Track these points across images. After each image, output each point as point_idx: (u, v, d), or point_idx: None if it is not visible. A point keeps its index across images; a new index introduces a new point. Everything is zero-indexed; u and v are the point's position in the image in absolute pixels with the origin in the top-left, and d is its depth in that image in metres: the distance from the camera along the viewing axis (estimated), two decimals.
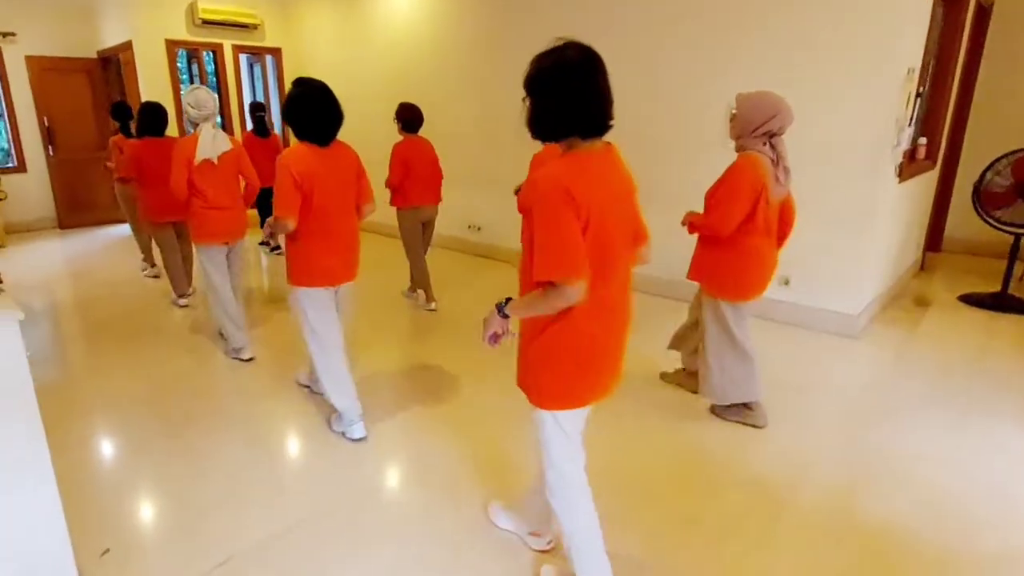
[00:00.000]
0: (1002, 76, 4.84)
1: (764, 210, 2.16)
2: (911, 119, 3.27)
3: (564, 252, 1.20)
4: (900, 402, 2.71)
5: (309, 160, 2.14)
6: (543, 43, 1.25)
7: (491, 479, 2.12)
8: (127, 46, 6.12)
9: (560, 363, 1.33)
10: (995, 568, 1.64)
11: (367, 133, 4.67)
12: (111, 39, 6.42)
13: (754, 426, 2.43)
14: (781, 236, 2.34)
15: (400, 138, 3.68)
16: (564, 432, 1.42)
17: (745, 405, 2.45)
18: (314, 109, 2.13)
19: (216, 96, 3.07)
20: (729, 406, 2.48)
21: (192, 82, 6.81)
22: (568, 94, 1.21)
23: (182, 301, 4.02)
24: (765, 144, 2.14)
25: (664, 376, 2.85)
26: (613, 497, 1.96)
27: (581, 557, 1.48)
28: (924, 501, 1.96)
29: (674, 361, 2.86)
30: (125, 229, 6.34)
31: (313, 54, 6.67)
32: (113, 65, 6.67)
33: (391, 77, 5.78)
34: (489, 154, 4.91)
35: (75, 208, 6.82)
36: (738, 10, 3.48)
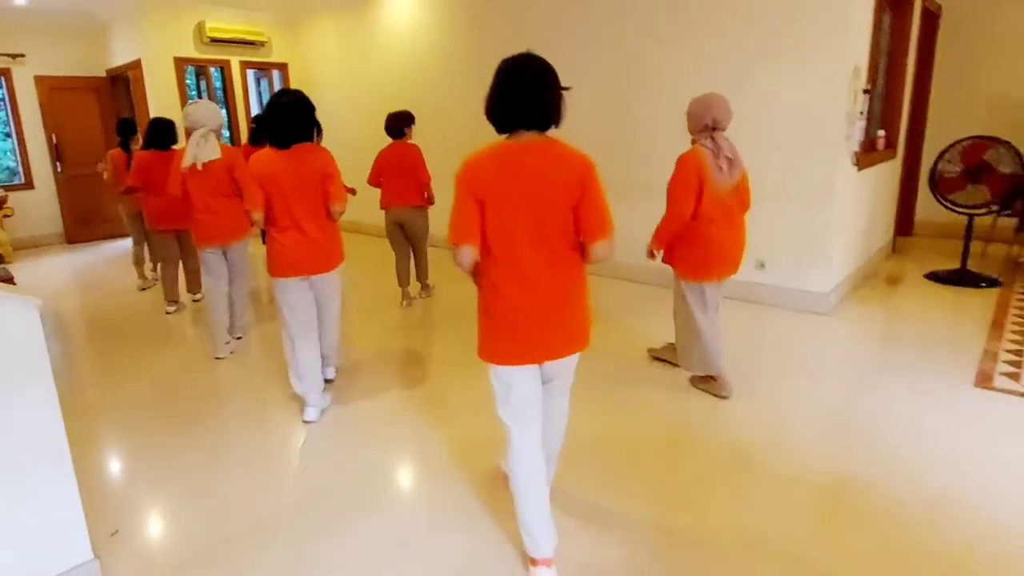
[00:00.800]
0: (955, 73, 5.27)
1: (709, 197, 2.47)
2: (862, 113, 3.65)
3: (455, 222, 1.49)
4: (863, 369, 3.05)
5: (267, 162, 2.45)
6: (560, 44, 1.57)
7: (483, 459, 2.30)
8: (136, 64, 6.42)
9: (482, 319, 1.61)
10: (932, 510, 1.90)
11: (369, 140, 5.01)
12: (120, 58, 6.71)
13: (717, 396, 2.69)
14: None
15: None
16: (500, 386, 1.61)
17: (710, 376, 2.74)
18: (269, 117, 2.44)
19: (213, 108, 3.23)
20: (701, 377, 2.78)
21: (200, 97, 7.12)
22: (492, 94, 1.52)
23: (170, 308, 4.20)
24: (707, 138, 2.46)
25: (651, 351, 3.16)
26: (602, 460, 2.25)
27: (516, 508, 1.64)
28: (880, 457, 2.23)
29: (667, 339, 3.14)
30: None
31: (319, 68, 7.00)
32: (122, 83, 6.95)
33: (393, 87, 6.12)
34: None
35: (83, 223, 7.04)
36: (700, 18, 3.88)
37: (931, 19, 5.04)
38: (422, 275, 4.32)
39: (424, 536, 1.89)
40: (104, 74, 7.04)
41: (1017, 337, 3.29)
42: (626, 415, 2.60)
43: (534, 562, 1.63)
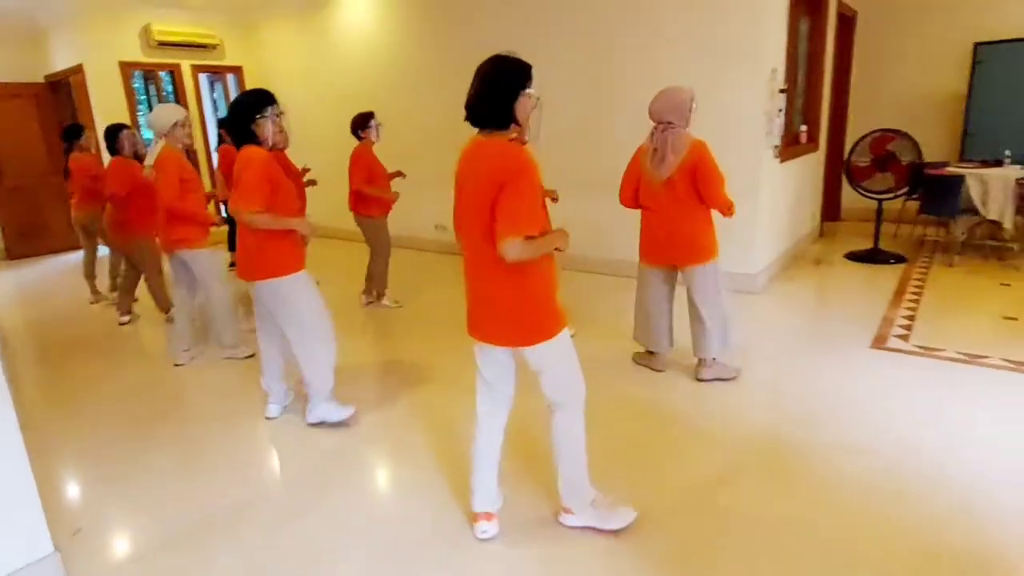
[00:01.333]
0: (870, 72, 5.81)
1: (644, 186, 2.76)
2: (780, 111, 4.04)
3: None
4: (782, 337, 3.45)
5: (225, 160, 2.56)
6: (490, 51, 1.64)
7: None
8: (78, 69, 6.25)
9: None
10: (829, 453, 2.26)
11: (329, 141, 5.13)
12: (61, 63, 6.51)
13: (651, 368, 3.02)
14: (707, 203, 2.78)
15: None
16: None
17: (648, 351, 3.06)
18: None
19: (159, 112, 3.09)
20: (642, 353, 3.09)
21: (150, 103, 7.00)
22: None
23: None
24: (653, 134, 2.74)
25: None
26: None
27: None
28: (787, 409, 2.61)
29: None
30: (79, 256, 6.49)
31: (275, 70, 6.96)
32: (64, 89, 6.77)
33: (353, 88, 6.18)
34: (453, 156, 5.43)
35: (24, 237, 6.76)
36: (636, 19, 4.21)
37: (847, 23, 5.53)
38: (367, 281, 4.26)
39: (387, 506, 2.11)
40: (43, 80, 6.82)
41: (912, 304, 3.76)
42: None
43: (475, 517, 1.89)
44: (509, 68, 1.59)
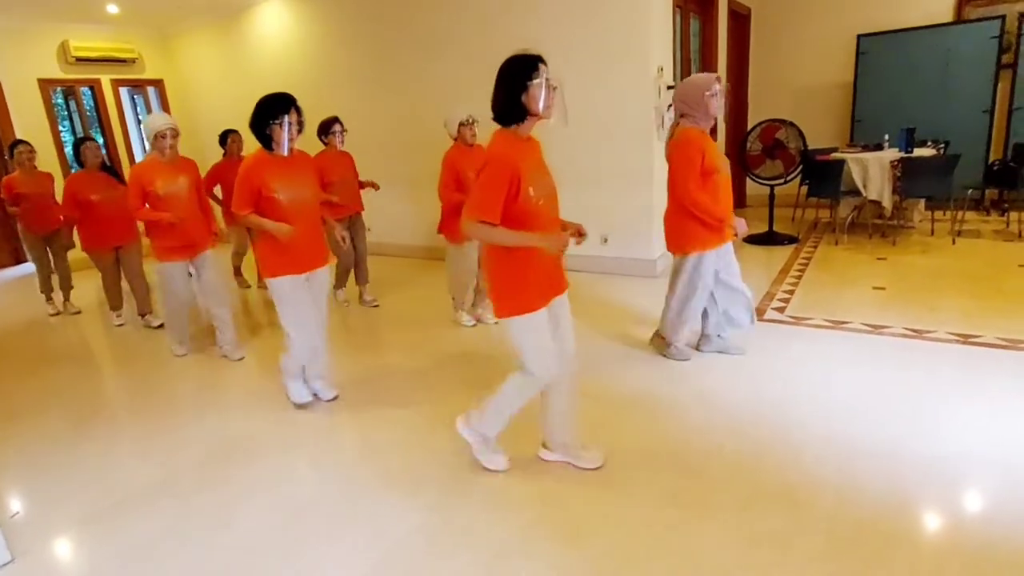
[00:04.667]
0: (768, 65, 6.20)
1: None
2: (670, 106, 4.33)
3: None
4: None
5: None
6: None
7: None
8: None
9: None
10: (702, 400, 2.57)
11: (250, 146, 5.19)
12: None
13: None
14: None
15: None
16: None
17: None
18: None
19: (149, 120, 3.23)
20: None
21: (71, 120, 6.92)
22: None
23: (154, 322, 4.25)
24: None
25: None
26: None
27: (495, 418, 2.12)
28: (668, 373, 2.89)
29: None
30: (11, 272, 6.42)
31: (198, 81, 6.99)
32: None
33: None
34: (374, 154, 5.57)
35: None
36: (521, 20, 4.42)
37: (741, 20, 5.90)
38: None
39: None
40: None
41: (795, 280, 4.09)
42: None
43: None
44: (513, 65, 1.75)
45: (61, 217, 4.29)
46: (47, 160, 5.89)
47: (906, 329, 3.15)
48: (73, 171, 4.28)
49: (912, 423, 2.31)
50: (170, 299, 3.49)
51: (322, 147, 3.98)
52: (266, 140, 2.46)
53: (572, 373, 2.09)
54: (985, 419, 2.30)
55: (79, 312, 4.73)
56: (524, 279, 1.87)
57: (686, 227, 2.73)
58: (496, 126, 1.85)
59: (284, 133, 2.42)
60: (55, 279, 4.68)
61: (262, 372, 3.35)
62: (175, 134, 3.19)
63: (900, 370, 2.74)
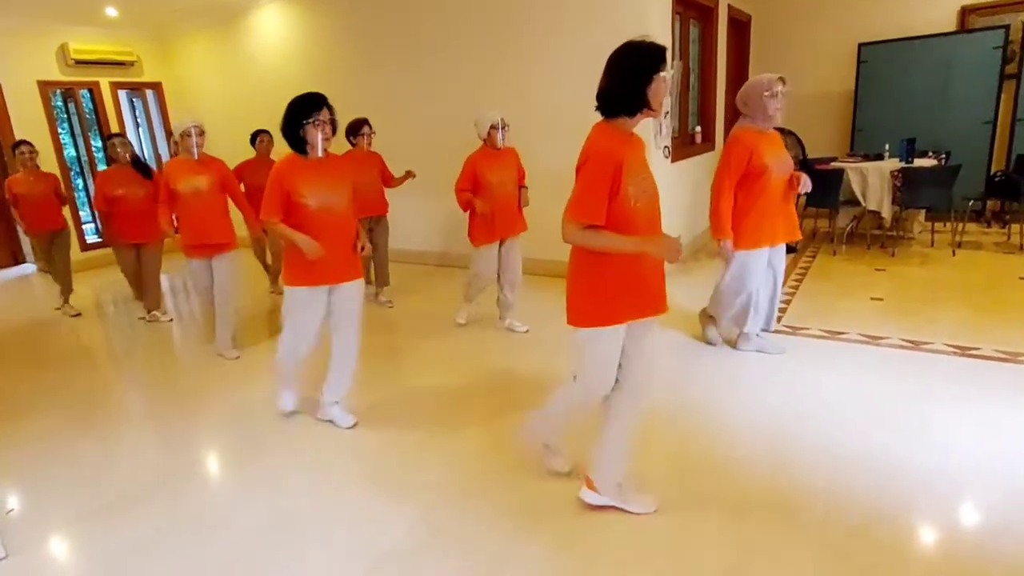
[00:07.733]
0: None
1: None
2: (667, 114, 4.30)
3: None
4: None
5: None
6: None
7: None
8: None
9: None
10: (685, 408, 2.53)
11: (250, 152, 5.18)
12: None
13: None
14: None
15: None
16: None
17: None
18: None
19: (179, 122, 3.36)
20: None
21: (70, 122, 6.93)
22: None
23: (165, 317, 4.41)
24: None
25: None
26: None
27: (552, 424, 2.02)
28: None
29: None
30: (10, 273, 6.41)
31: (197, 84, 6.99)
32: None
33: (272, 98, 6.20)
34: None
35: None
36: (535, 25, 4.40)
37: (741, 28, 5.87)
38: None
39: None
40: None
41: (792, 290, 4.05)
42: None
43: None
44: (639, 53, 1.56)
45: (61, 217, 4.49)
46: (46, 162, 5.88)
47: (903, 340, 3.10)
48: (101, 169, 4.56)
49: (907, 434, 2.27)
50: (197, 296, 3.65)
51: (349, 148, 4.01)
52: (299, 143, 2.33)
53: (641, 408, 1.87)
54: (981, 431, 2.26)
55: (79, 315, 4.66)
56: (615, 289, 1.66)
57: (739, 224, 2.78)
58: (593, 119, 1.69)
59: (319, 133, 2.29)
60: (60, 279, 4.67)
61: (262, 372, 3.32)
62: (200, 132, 3.31)
63: (896, 381, 2.69)
